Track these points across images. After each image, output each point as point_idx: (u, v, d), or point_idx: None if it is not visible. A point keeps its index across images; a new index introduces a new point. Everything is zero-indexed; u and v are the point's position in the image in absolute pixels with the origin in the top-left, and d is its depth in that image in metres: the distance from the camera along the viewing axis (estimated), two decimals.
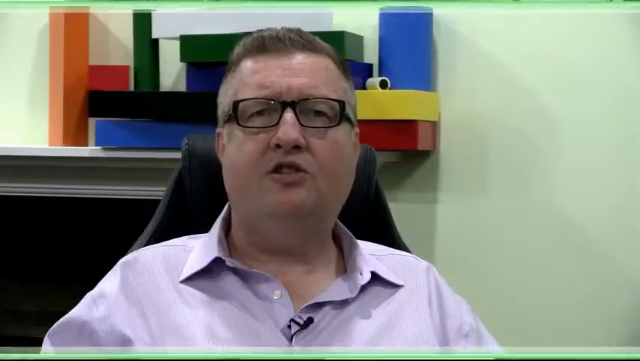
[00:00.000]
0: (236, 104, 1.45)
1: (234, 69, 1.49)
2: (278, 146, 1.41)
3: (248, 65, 1.47)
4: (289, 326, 1.40)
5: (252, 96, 1.44)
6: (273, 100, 1.43)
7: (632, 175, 2.56)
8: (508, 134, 2.65)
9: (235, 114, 1.44)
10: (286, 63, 1.45)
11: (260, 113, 1.44)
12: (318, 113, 1.44)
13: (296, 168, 1.41)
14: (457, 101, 2.68)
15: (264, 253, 1.47)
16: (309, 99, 1.43)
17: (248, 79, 1.46)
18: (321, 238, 1.49)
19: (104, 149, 2.80)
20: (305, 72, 1.44)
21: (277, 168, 1.41)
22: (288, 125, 1.41)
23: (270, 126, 1.42)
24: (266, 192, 1.41)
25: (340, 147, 1.45)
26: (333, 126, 1.44)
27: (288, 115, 1.41)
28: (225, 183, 1.48)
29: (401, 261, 1.56)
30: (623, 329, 2.56)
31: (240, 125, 1.44)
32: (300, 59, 1.45)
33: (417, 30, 2.63)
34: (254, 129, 1.43)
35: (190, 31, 2.70)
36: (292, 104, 1.42)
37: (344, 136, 1.46)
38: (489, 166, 2.67)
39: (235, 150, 1.45)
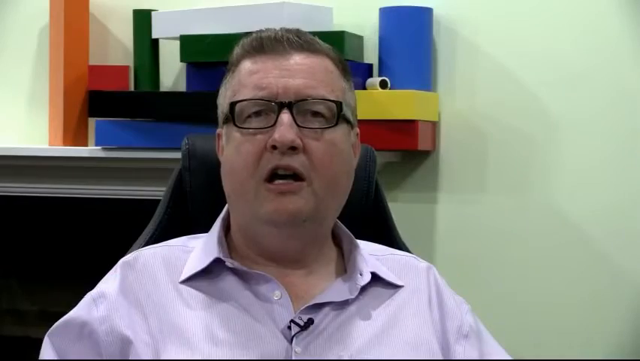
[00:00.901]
0: (233, 105, 1.45)
1: (233, 70, 1.49)
2: (274, 147, 1.40)
3: (246, 65, 1.46)
4: (289, 327, 1.39)
5: (249, 97, 1.44)
6: (269, 101, 1.42)
7: (631, 173, 2.55)
8: (508, 134, 2.65)
9: (232, 115, 1.44)
10: (284, 64, 1.44)
11: (257, 114, 1.43)
12: (316, 114, 1.43)
13: (292, 173, 1.40)
14: (457, 101, 2.68)
15: (262, 257, 1.47)
16: (305, 100, 1.43)
17: (245, 80, 1.45)
18: (320, 241, 1.49)
19: (104, 149, 2.79)
20: (302, 73, 1.44)
21: (273, 173, 1.41)
22: (285, 127, 1.40)
23: (266, 127, 1.42)
24: (263, 201, 1.41)
25: (337, 149, 1.44)
26: (330, 127, 1.44)
27: (285, 116, 1.41)
28: (224, 185, 1.48)
29: (401, 261, 1.56)
30: (624, 327, 2.56)
31: (236, 126, 1.44)
32: (298, 59, 1.45)
33: (417, 30, 2.63)
34: (251, 130, 1.43)
35: (190, 31, 2.69)
36: (289, 105, 1.42)
37: (341, 137, 1.46)
38: (489, 166, 2.66)
39: (232, 151, 1.44)
